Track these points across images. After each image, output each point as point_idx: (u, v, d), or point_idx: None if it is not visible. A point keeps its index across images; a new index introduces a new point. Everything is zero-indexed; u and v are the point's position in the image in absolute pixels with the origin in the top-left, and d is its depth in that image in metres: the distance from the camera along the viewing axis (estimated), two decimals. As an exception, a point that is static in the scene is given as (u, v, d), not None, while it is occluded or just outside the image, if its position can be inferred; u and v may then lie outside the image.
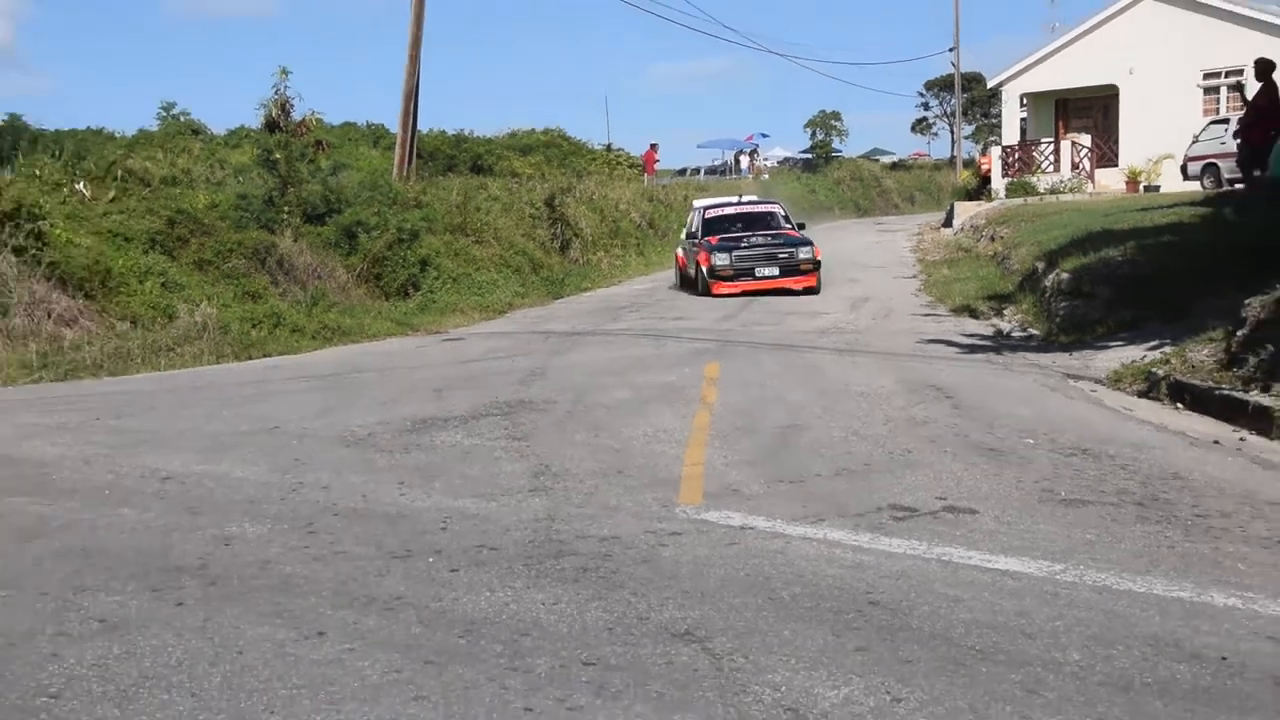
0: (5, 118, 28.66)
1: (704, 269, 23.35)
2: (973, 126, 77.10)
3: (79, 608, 5.37)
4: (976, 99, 71.08)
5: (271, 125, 23.03)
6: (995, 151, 40.17)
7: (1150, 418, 9.68)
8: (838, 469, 7.94)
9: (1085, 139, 37.52)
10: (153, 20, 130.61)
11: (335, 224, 22.82)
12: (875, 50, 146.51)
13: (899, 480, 7.55)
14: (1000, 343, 15.08)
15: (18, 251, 16.44)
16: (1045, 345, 14.49)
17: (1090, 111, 38.59)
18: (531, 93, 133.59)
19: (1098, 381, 11.38)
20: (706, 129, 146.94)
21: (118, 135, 38.20)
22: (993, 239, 26.49)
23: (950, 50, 60.24)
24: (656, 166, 52.10)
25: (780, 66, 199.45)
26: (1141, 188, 33.37)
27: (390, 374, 14.14)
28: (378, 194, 24.72)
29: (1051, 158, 37.25)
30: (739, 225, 24.87)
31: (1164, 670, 4.43)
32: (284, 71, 23.02)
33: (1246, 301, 10.81)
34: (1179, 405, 10.10)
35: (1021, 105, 40.48)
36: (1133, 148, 35.38)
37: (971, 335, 15.85)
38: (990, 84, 43.72)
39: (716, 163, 62.46)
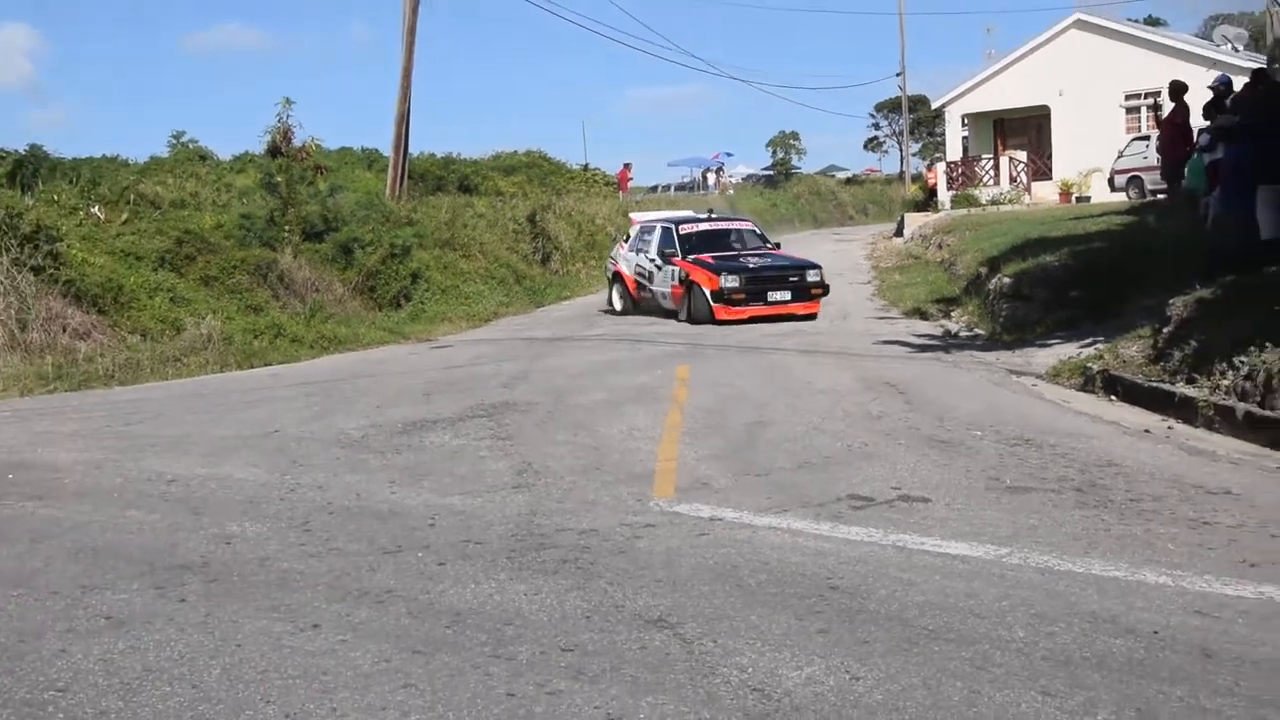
0: (27, 148, 28.36)
1: (706, 291, 18.83)
2: (919, 144, 77.19)
3: (87, 605, 5.25)
4: (922, 119, 71.18)
5: (274, 151, 22.98)
6: (940, 167, 40.37)
7: (1087, 409, 9.66)
8: (800, 462, 7.88)
9: (1022, 155, 37.74)
10: (164, 53, 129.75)
11: (332, 241, 22.72)
12: (830, 76, 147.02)
13: (857, 472, 7.49)
14: (949, 342, 15.06)
15: (36, 271, 16.28)
16: (990, 344, 14.48)
17: (1025, 130, 38.79)
18: (515, 117, 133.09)
19: (1038, 377, 11.36)
20: (676, 149, 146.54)
21: (131, 162, 37.94)
22: (940, 247, 26.50)
23: (898, 75, 60.37)
24: (630, 184, 52.03)
25: (743, 91, 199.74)
26: (1074, 198, 33.51)
27: (383, 380, 14.02)
28: (372, 213, 24.66)
29: (991, 172, 37.42)
30: (724, 244, 20.81)
31: (1101, 644, 4.38)
32: (287, 101, 23.18)
33: (1171, 301, 10.81)
34: (1112, 397, 10.09)
35: (963, 124, 40.68)
36: (1065, 162, 35.63)
37: (922, 335, 15.83)
38: (934, 105, 43.98)
39: (685, 180, 62.43)
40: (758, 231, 22.13)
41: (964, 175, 37.77)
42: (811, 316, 18.82)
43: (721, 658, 4.33)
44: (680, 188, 60.16)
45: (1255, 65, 18.25)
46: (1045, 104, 36.23)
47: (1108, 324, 12.81)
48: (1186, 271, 11.58)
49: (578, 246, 32.49)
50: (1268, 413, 8.14)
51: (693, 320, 19.00)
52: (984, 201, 34.39)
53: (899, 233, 35.39)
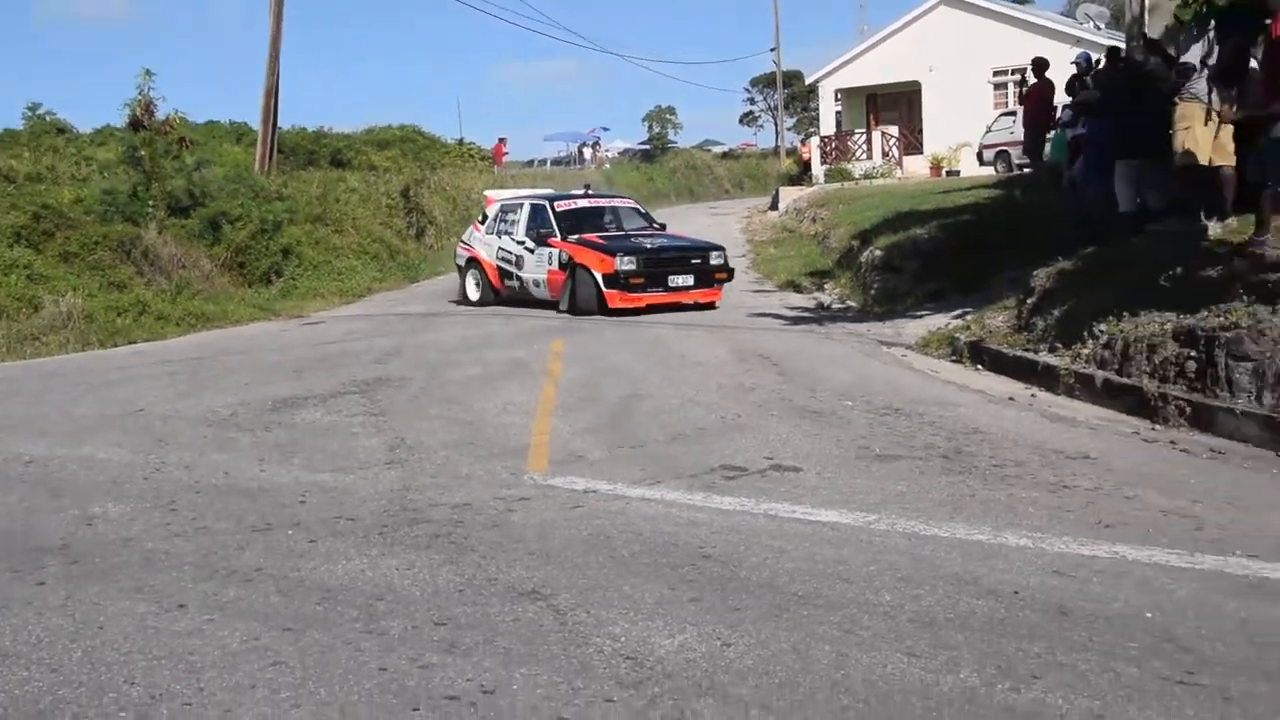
0: None
1: (596, 276, 16.22)
2: (794, 119, 77.95)
3: (-61, 591, 5.08)
4: (797, 94, 71.84)
5: (136, 124, 22.21)
6: (815, 141, 40.88)
7: (954, 379, 9.89)
8: (674, 434, 7.94)
9: (894, 129, 38.40)
10: (17, 21, 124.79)
11: (199, 216, 22.11)
12: (705, 50, 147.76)
13: (730, 443, 7.57)
14: (822, 314, 15.27)
15: (-119, 248, 15.57)
16: (862, 316, 14.72)
17: (897, 105, 39.49)
18: (388, 92, 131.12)
19: (908, 347, 11.59)
20: (552, 123, 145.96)
21: (-19, 135, 36.43)
22: (814, 220, 26.81)
23: (772, 50, 61.01)
24: (505, 159, 51.65)
25: (619, 66, 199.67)
26: (944, 172, 34.18)
27: (253, 357, 13.74)
28: (241, 187, 24.01)
29: (864, 146, 38.05)
30: (604, 223, 18.28)
31: (964, 605, 4.51)
32: (147, 73, 22.27)
33: (1034, 273, 11.12)
34: (979, 367, 10.34)
35: (836, 100, 41.24)
36: (935, 137, 36.36)
37: (796, 308, 16.03)
38: (808, 80, 44.47)
39: (562, 154, 62.16)
40: (640, 210, 19.55)
41: (837, 150, 38.33)
42: (713, 305, 16.48)
43: (595, 628, 4.36)
44: (556, 162, 59.88)
45: (1115, 43, 18.76)
46: (916, 80, 36.92)
47: (975, 295, 13.11)
48: (1049, 244, 11.91)
49: (453, 221, 32.12)
50: (1125, 380, 8.43)
51: (577, 310, 16.45)
52: (857, 176, 34.92)
53: (774, 206, 35.72)
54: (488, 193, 22.03)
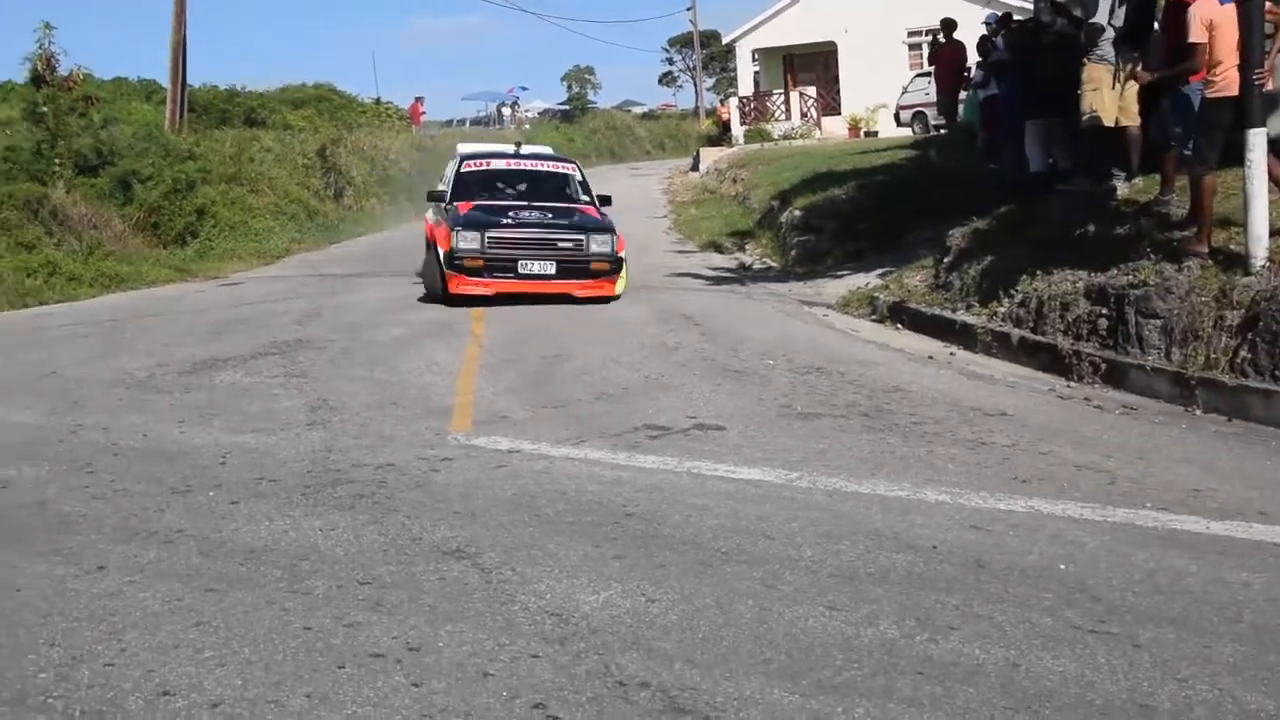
0: None
1: (439, 253, 13.37)
2: (713, 79, 77.87)
3: None
4: (715, 54, 71.72)
5: (37, 80, 21.57)
6: (734, 102, 40.86)
7: (874, 338, 10.02)
8: (598, 394, 7.96)
9: (811, 90, 38.53)
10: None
11: (109, 175, 21.62)
12: (623, 9, 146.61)
13: (653, 402, 7.61)
14: (743, 275, 15.37)
15: None
16: (783, 276, 14.84)
17: (815, 66, 39.54)
18: (301, 49, 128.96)
19: (829, 307, 11.71)
20: (469, 83, 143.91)
21: None
22: (734, 181, 26.87)
23: (688, 10, 60.88)
24: (423, 118, 51.07)
25: (535, 24, 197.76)
26: (862, 133, 34.37)
27: (169, 319, 13.49)
28: (152, 145, 23.48)
29: (783, 107, 38.12)
30: (514, 189, 14.91)
31: (884, 560, 4.59)
32: (46, 26, 21.47)
33: (950, 232, 11.28)
34: (899, 326, 10.48)
35: (754, 60, 41.16)
36: (853, 98, 36.47)
37: (717, 269, 16.11)
38: (725, 41, 44.45)
39: (481, 114, 61.60)
40: (580, 179, 15.40)
41: (756, 110, 38.35)
42: (604, 299, 13.08)
43: (519, 585, 4.38)
44: (475, 122, 59.31)
45: (1026, 4, 18.96)
46: (832, 40, 36.97)
47: (893, 255, 13.27)
48: (965, 203, 12.07)
49: (370, 182, 31.76)
50: (1039, 338, 8.60)
51: (428, 295, 13.79)
52: (776, 136, 34.99)
53: (695, 167, 35.73)
54: (460, 146, 18.49)
